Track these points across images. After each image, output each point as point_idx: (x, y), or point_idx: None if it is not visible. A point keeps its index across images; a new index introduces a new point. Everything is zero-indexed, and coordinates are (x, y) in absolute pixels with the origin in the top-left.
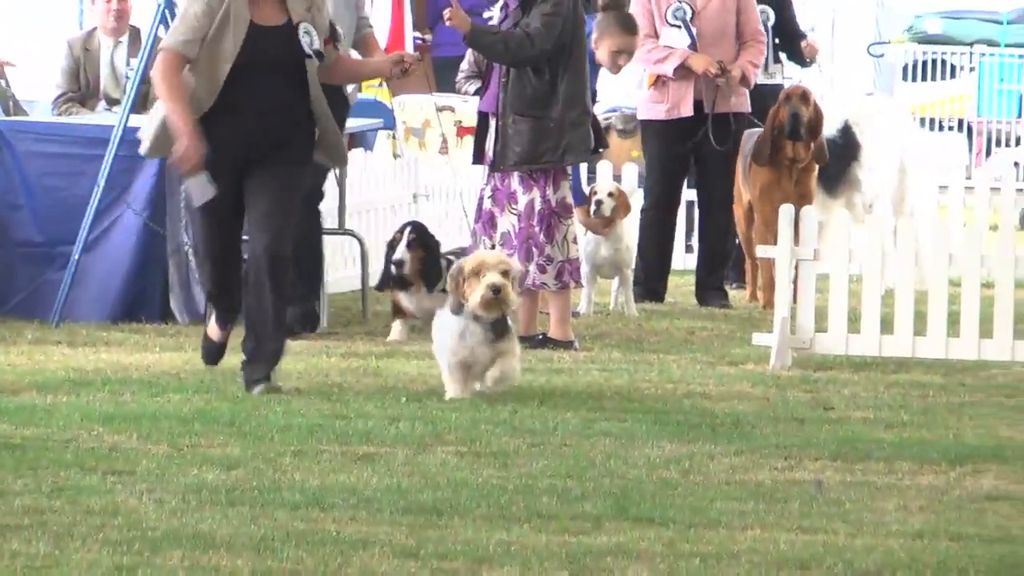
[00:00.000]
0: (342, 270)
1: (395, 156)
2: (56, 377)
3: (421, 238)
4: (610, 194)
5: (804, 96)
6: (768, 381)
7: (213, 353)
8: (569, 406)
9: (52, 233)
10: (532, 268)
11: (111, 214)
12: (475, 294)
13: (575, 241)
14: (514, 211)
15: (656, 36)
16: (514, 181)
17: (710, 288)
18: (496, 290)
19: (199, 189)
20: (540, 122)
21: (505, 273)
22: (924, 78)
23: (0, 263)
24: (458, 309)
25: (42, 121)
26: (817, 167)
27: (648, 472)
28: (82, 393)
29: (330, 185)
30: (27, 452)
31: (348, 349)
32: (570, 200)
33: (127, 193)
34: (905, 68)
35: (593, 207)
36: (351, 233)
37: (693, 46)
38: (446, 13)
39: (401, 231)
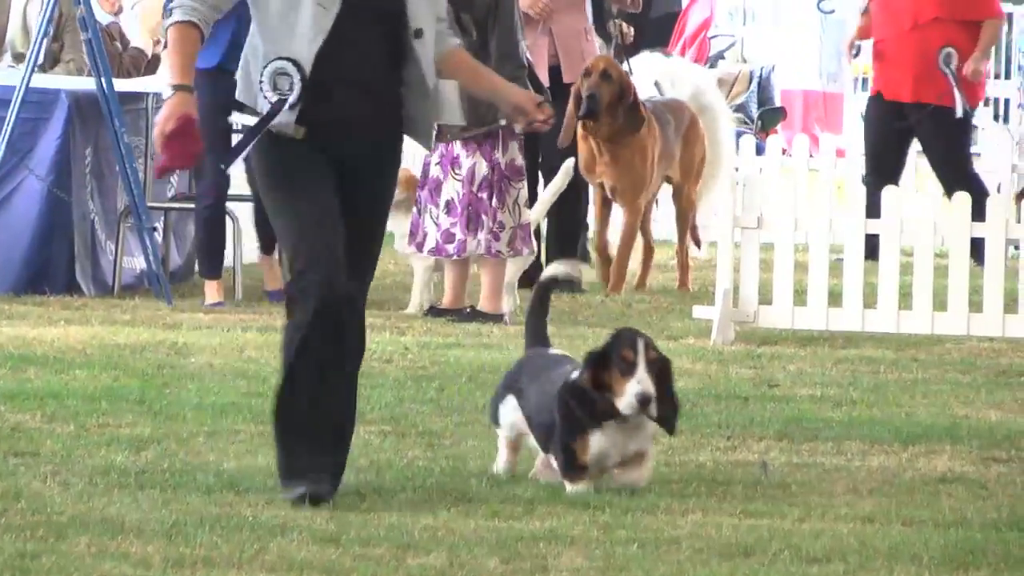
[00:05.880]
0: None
1: None
2: None
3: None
4: None
5: (605, 72)
6: (710, 356)
7: None
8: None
9: None
10: (482, 235)
11: (12, 179)
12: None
13: (526, 205)
14: (457, 176)
15: None
16: (456, 146)
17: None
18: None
19: None
20: None
21: None
22: None
23: None
24: None
25: None
26: (637, 137)
27: None
28: None
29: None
30: None
31: (264, 323)
32: (520, 162)
33: (30, 157)
34: None
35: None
36: None
37: None
38: None
39: (632, 348)
